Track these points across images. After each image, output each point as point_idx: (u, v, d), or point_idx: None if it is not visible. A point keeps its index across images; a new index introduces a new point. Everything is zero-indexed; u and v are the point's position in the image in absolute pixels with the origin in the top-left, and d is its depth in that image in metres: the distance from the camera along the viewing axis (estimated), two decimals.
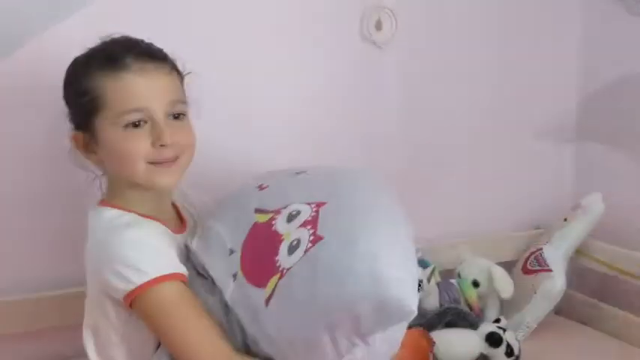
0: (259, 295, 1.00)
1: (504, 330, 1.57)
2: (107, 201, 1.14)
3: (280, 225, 1.06)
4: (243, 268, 1.05)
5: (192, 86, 1.19)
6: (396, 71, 1.76)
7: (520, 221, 2.01)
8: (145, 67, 1.07)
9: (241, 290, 1.03)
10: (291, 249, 1.01)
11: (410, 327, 1.58)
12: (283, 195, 1.13)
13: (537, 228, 1.98)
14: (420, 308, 1.66)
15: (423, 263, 1.67)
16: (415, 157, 1.83)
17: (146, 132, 1.07)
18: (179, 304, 1.03)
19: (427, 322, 1.62)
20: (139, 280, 1.01)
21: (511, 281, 1.71)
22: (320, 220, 1.03)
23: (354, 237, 0.98)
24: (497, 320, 1.62)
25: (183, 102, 1.13)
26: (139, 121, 1.06)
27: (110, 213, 1.10)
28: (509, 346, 1.54)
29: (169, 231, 1.14)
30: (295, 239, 1.02)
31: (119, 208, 1.11)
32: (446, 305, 1.65)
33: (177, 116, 1.11)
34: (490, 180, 1.96)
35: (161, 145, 1.07)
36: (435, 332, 1.56)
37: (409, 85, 1.79)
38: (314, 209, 1.05)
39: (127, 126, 1.06)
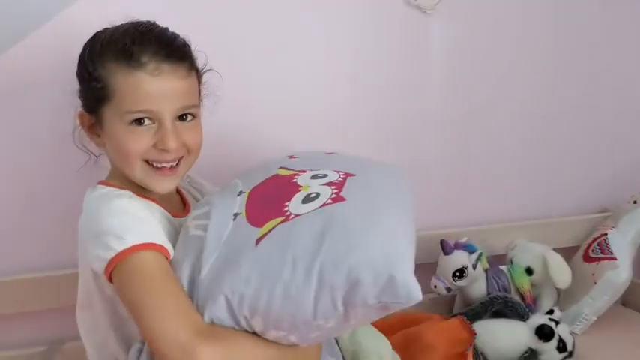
0: (253, 233, 0.97)
1: (557, 322, 1.46)
2: (106, 182, 1.12)
3: (302, 180, 1.06)
4: (247, 209, 1.03)
5: (212, 81, 1.16)
6: (442, 38, 1.65)
7: (583, 203, 1.87)
8: (161, 68, 1.02)
9: (237, 230, 0.99)
10: (307, 199, 1.00)
11: (452, 316, 1.51)
12: (312, 163, 1.12)
13: (603, 211, 1.85)
14: (464, 296, 1.59)
15: (468, 248, 1.57)
16: (462, 130, 1.72)
17: (150, 131, 1.04)
18: (154, 272, 0.96)
19: (472, 311, 1.53)
20: (118, 247, 0.96)
21: (568, 269, 1.59)
22: (346, 186, 1.03)
23: (377, 208, 0.97)
24: (551, 311, 1.51)
25: (195, 106, 1.10)
26: (143, 119, 1.03)
27: (104, 189, 1.08)
28: (561, 340, 1.43)
29: (166, 213, 1.11)
30: (315, 192, 1.01)
31: (116, 187, 1.09)
32: (493, 293, 1.55)
33: (185, 118, 1.07)
34: (549, 158, 1.82)
35: (163, 149, 1.04)
36: (480, 322, 1.48)
37: (455, 54, 1.67)
38: (342, 176, 1.06)
39: (131, 123, 1.03)
